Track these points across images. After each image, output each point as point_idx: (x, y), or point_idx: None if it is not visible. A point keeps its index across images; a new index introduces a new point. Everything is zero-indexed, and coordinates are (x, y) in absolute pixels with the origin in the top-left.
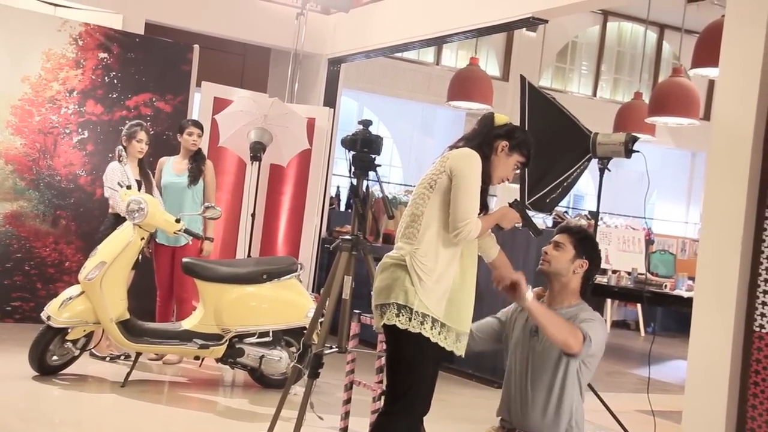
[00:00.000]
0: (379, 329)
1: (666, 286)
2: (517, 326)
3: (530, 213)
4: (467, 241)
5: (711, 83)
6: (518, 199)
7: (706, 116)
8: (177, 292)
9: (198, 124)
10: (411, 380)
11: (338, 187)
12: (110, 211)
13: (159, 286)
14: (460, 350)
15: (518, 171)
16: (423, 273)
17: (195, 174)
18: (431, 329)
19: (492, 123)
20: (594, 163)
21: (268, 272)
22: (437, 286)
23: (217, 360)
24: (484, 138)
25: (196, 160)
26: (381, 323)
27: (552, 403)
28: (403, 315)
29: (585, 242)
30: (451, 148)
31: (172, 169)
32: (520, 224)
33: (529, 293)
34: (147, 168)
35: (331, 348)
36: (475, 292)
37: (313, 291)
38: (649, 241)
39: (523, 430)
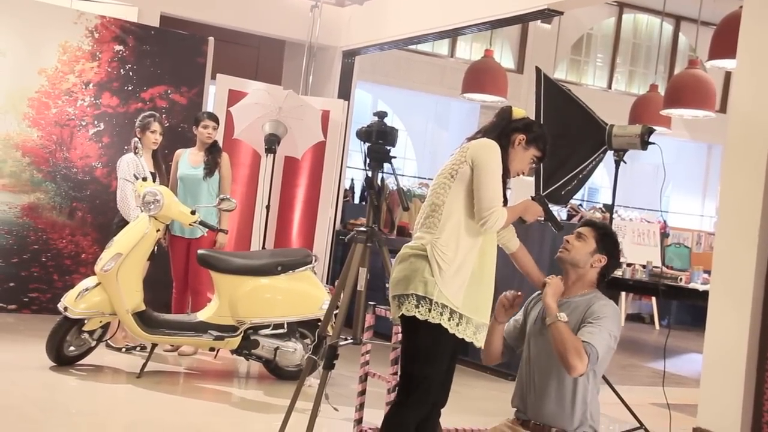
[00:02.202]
0: (396, 320)
1: (681, 279)
2: (531, 316)
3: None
4: (489, 233)
5: (727, 75)
6: (541, 194)
7: (722, 108)
8: (192, 283)
9: (213, 117)
10: (426, 372)
11: (352, 180)
12: (118, 205)
13: (174, 277)
14: (479, 342)
15: (534, 165)
16: (443, 262)
17: (211, 166)
18: (449, 320)
19: (510, 116)
20: (609, 156)
21: (283, 264)
22: (456, 277)
23: (232, 351)
24: (502, 131)
25: (212, 152)
26: (399, 314)
27: (566, 394)
28: (422, 306)
29: (607, 239)
30: (470, 139)
31: (188, 161)
32: (543, 218)
33: (562, 315)
34: (161, 160)
35: (346, 339)
36: (494, 284)
37: (327, 283)
38: (664, 234)
39: (537, 421)
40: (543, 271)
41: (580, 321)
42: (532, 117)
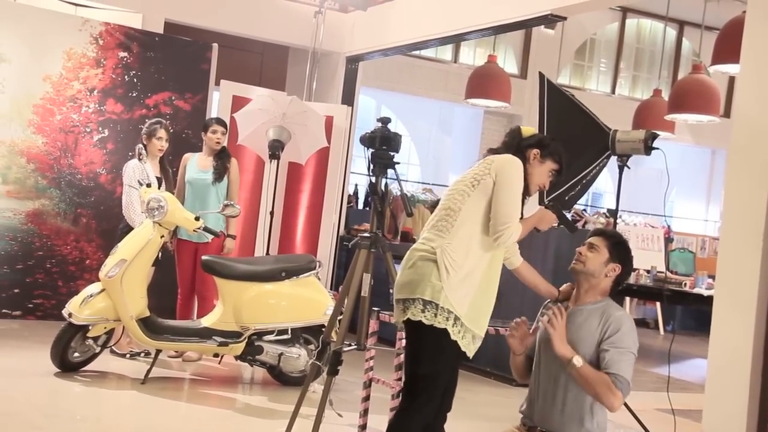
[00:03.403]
0: (399, 324)
1: (685, 284)
2: (542, 322)
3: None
4: (501, 247)
5: (731, 80)
6: (552, 201)
7: (726, 113)
8: (198, 289)
9: (222, 123)
10: (432, 376)
11: (356, 185)
12: (123, 211)
13: (180, 283)
14: (471, 352)
15: (552, 179)
16: (451, 268)
17: (220, 171)
18: (453, 326)
19: (520, 135)
20: (613, 161)
21: (287, 270)
22: (462, 285)
23: (236, 357)
24: (516, 150)
25: (222, 157)
26: (403, 318)
27: (573, 401)
28: (428, 311)
29: (619, 247)
30: (491, 151)
31: (197, 165)
32: (557, 224)
33: (577, 359)
34: (167, 165)
35: (350, 345)
36: (495, 298)
37: (331, 289)
38: (668, 239)
39: (543, 428)
40: (547, 276)
41: (599, 336)
42: (536, 121)
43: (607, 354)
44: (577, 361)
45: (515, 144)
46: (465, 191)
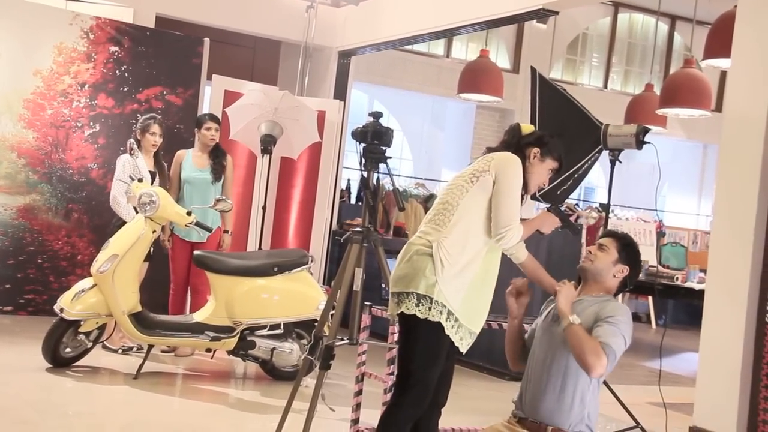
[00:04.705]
0: (393, 316)
1: (677, 278)
2: (543, 313)
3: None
4: (502, 248)
5: (723, 74)
6: (554, 204)
7: (718, 108)
8: (193, 283)
9: (215, 119)
10: (424, 370)
11: (349, 180)
12: (111, 204)
13: (174, 279)
14: (463, 347)
15: (551, 176)
16: (447, 262)
17: (218, 171)
18: (447, 321)
19: (520, 132)
20: (605, 155)
21: (279, 265)
22: (457, 279)
23: (229, 352)
24: (515, 148)
25: (218, 155)
26: (397, 311)
27: (565, 392)
28: (422, 305)
29: (629, 249)
30: (490, 150)
31: (194, 164)
32: (561, 227)
33: (574, 317)
34: (162, 160)
35: (342, 340)
36: (492, 296)
37: (323, 283)
38: (660, 234)
39: (534, 419)
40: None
41: (594, 319)
42: (528, 116)
43: (600, 328)
44: (575, 319)
45: (515, 142)
46: (464, 186)
